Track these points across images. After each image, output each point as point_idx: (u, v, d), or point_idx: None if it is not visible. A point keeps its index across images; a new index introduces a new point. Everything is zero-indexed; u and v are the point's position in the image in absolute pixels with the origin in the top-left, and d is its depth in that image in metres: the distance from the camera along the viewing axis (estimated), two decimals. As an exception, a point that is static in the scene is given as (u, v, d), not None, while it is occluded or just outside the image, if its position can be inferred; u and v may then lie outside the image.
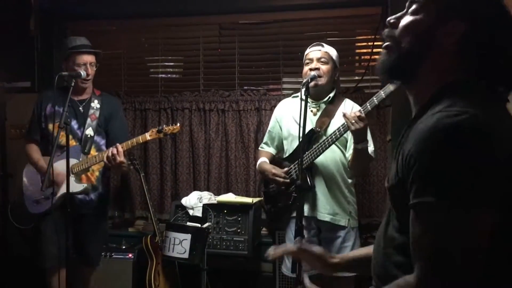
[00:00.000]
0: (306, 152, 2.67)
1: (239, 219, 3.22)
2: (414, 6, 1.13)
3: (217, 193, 3.66)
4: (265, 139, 3.09)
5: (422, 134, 0.97)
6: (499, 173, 0.93)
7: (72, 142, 3.00)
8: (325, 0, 3.65)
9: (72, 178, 2.92)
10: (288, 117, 2.91)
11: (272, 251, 1.57)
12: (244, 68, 3.95)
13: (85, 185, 3.00)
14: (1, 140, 4.01)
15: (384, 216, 1.23)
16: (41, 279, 3.13)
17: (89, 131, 3.06)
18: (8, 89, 3.99)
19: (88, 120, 3.07)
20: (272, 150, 3.04)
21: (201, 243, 2.83)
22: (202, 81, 3.99)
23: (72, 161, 2.95)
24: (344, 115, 2.52)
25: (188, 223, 3.08)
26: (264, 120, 3.72)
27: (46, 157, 2.93)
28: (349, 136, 2.70)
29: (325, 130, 2.75)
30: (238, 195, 3.58)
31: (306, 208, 2.72)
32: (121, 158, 2.88)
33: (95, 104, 3.11)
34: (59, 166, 2.83)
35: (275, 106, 3.64)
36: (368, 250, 1.41)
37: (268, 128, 3.09)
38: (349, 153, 2.74)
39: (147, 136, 2.98)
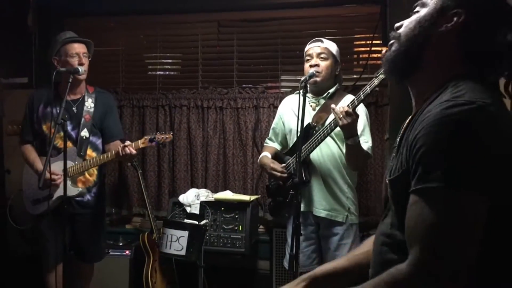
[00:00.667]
0: (302, 147, 2.67)
1: (237, 216, 3.22)
2: (417, 8, 1.16)
3: (215, 190, 3.67)
4: (270, 134, 3.10)
5: (430, 121, 0.98)
6: (504, 163, 0.95)
7: (68, 144, 2.98)
8: (324, -2, 3.66)
9: (67, 182, 2.89)
10: (290, 113, 2.92)
11: None
12: (243, 65, 3.95)
13: (80, 189, 2.98)
14: (-2, 136, 4.00)
15: (382, 215, 1.23)
16: (38, 277, 3.13)
17: (84, 133, 3.01)
18: (6, 85, 3.99)
19: (83, 121, 3.01)
20: (276, 146, 3.05)
21: (198, 240, 2.82)
22: (200, 78, 3.99)
23: (68, 164, 2.92)
24: (333, 110, 2.52)
25: (186, 220, 3.08)
26: (262, 118, 3.72)
27: (43, 157, 2.92)
28: None
29: (322, 125, 2.75)
30: (236, 192, 3.58)
31: (302, 203, 2.72)
32: (133, 151, 2.90)
33: (89, 103, 3.06)
34: (56, 168, 2.82)
35: (273, 104, 3.67)
36: (337, 263, 1.40)
37: (273, 124, 3.10)
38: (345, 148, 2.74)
39: (139, 144, 2.95)
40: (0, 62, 3.76)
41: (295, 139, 2.84)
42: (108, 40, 4.06)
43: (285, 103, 3.04)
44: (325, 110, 2.79)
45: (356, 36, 3.83)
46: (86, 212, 3.06)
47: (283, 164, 2.84)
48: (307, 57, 2.82)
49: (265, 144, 3.15)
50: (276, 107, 3.18)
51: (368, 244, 1.39)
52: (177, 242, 2.79)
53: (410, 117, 1.18)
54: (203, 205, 3.26)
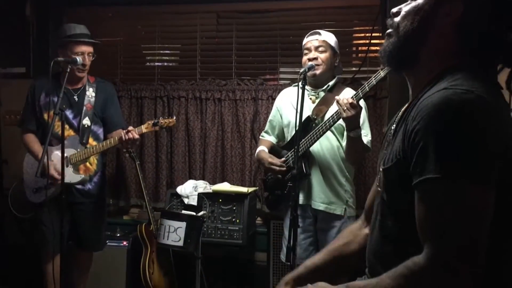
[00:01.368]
0: (302, 140, 2.66)
1: (234, 208, 3.22)
2: None
3: (213, 182, 3.67)
4: (266, 127, 3.09)
5: (428, 110, 0.97)
6: (503, 153, 0.95)
7: (70, 132, 3.01)
8: (323, -10, 3.65)
9: (70, 169, 2.94)
10: (288, 106, 2.91)
11: None
12: (241, 57, 3.93)
13: (83, 176, 3.02)
14: (-5, 127, 3.99)
15: (374, 207, 1.23)
16: (36, 267, 3.14)
17: (86, 121, 3.05)
18: (3, 75, 3.97)
19: (84, 110, 3.05)
20: (272, 139, 3.04)
21: (196, 231, 2.83)
22: (199, 69, 3.98)
23: (70, 151, 2.96)
24: (337, 101, 2.51)
25: (183, 212, 3.08)
26: (260, 110, 3.71)
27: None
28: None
29: (322, 118, 2.75)
30: (234, 184, 3.59)
31: (301, 196, 2.73)
32: (136, 136, 2.92)
33: (90, 92, 3.10)
34: (58, 156, 2.83)
35: (271, 96, 3.66)
36: (317, 258, 1.42)
37: (269, 117, 3.09)
38: (345, 141, 2.74)
39: (143, 128, 2.98)
40: (-2, 52, 3.75)
41: (293, 131, 2.83)
42: (106, 31, 4.04)
43: (283, 95, 3.03)
44: (325, 103, 2.79)
45: (355, 28, 3.81)
46: (86, 201, 3.10)
47: (283, 159, 2.84)
48: (305, 51, 2.81)
49: (260, 137, 3.14)
50: (275, 99, 3.17)
51: (345, 236, 1.42)
52: (174, 233, 2.80)
53: (405, 105, 1.17)
54: (201, 196, 3.26)
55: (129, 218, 3.99)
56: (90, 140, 3.09)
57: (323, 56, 2.75)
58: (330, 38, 2.80)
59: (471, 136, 0.93)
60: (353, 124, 2.53)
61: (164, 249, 3.32)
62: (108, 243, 3.46)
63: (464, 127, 0.93)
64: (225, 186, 3.39)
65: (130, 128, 2.94)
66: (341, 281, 1.12)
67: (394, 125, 1.16)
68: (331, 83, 2.81)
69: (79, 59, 2.90)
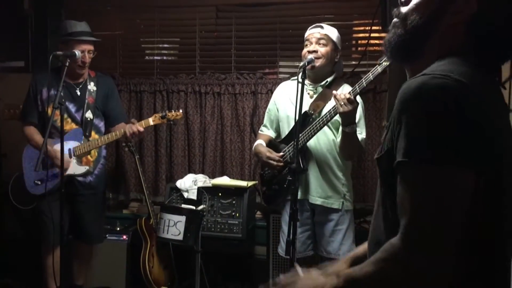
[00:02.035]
0: (299, 135, 2.66)
1: (234, 202, 3.23)
2: None
3: (212, 176, 3.67)
4: (264, 121, 3.08)
5: (405, 95, 0.98)
6: (479, 136, 0.94)
7: (72, 126, 3.04)
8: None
9: (74, 161, 2.99)
10: (285, 99, 2.90)
11: None
12: (241, 51, 3.92)
13: (87, 167, 3.07)
14: (-6, 120, 3.99)
15: (376, 197, 1.24)
16: (36, 259, 3.14)
17: (89, 114, 3.11)
18: (2, 68, 3.96)
19: (86, 103, 3.10)
20: (271, 133, 3.03)
21: (195, 225, 2.83)
22: (198, 63, 3.97)
23: (74, 144, 3.02)
24: (334, 96, 2.50)
25: (183, 205, 3.08)
26: (260, 104, 3.71)
27: (48, 139, 2.95)
28: None
29: (319, 113, 2.74)
30: (233, 178, 3.59)
31: (299, 191, 2.72)
32: (140, 129, 2.99)
33: (92, 86, 3.14)
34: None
35: (271, 90, 3.65)
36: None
37: (267, 110, 3.08)
38: (340, 136, 2.73)
39: (150, 121, 3.04)
40: (-4, 45, 3.74)
41: (290, 126, 2.84)
42: (105, 24, 4.02)
43: (281, 89, 3.01)
44: (322, 99, 2.78)
45: (355, 22, 3.80)
46: (87, 193, 3.14)
47: (281, 153, 2.84)
48: (306, 42, 2.80)
49: (259, 131, 3.13)
50: (274, 93, 3.16)
51: None
52: (174, 227, 2.80)
53: None
54: (201, 190, 3.26)
55: (129, 212, 3.99)
56: (92, 134, 3.14)
57: (323, 49, 2.74)
58: (332, 32, 2.79)
59: (441, 119, 0.92)
60: (349, 119, 2.53)
61: (164, 243, 3.33)
62: (108, 237, 3.47)
63: (435, 110, 0.93)
64: (224, 180, 3.39)
65: (133, 120, 2.97)
66: None
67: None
68: (329, 79, 2.80)
69: (78, 52, 2.90)
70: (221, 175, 3.68)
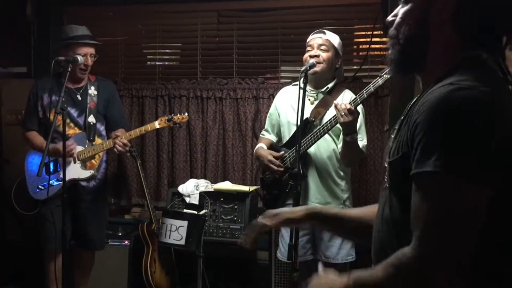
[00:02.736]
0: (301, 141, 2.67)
1: (236, 207, 3.22)
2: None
3: (214, 181, 3.66)
4: (266, 125, 3.09)
5: (431, 104, 0.97)
6: (503, 151, 0.93)
7: (75, 130, 3.06)
8: (324, -12, 3.64)
9: (78, 165, 3.01)
10: (287, 105, 2.90)
11: (245, 238, 1.53)
12: (242, 55, 3.93)
13: (92, 171, 3.08)
14: (-3, 126, 4.00)
15: (380, 199, 1.23)
16: (38, 265, 3.14)
17: (91, 119, 3.12)
18: (4, 74, 3.97)
19: (88, 108, 3.10)
20: (272, 137, 3.03)
21: (197, 230, 2.82)
22: (200, 68, 3.97)
23: (78, 148, 3.05)
24: (335, 106, 2.52)
25: (185, 210, 3.08)
26: (261, 109, 3.71)
27: (51, 144, 2.95)
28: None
29: (320, 120, 2.75)
30: (235, 183, 3.58)
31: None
32: (125, 142, 3.04)
33: (92, 91, 3.15)
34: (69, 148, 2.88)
35: (273, 95, 3.65)
36: (358, 211, 1.44)
37: (268, 115, 3.09)
38: (341, 143, 2.74)
39: (156, 124, 3.07)
40: (-1, 51, 3.75)
41: (291, 131, 2.85)
42: (107, 30, 4.04)
43: (282, 94, 3.02)
44: (323, 105, 2.79)
45: (356, 26, 3.81)
46: (90, 198, 3.14)
47: (282, 152, 2.84)
48: (308, 48, 2.81)
49: (261, 135, 3.14)
50: (276, 98, 3.16)
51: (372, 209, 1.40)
52: (176, 232, 2.80)
53: (413, 100, 1.17)
54: (203, 195, 3.25)
55: (131, 218, 3.98)
56: (95, 138, 3.15)
57: (324, 54, 2.75)
58: (334, 38, 2.80)
59: (470, 133, 0.92)
60: (350, 129, 2.54)
61: (166, 248, 3.32)
62: (109, 243, 3.46)
63: (463, 123, 0.92)
64: (226, 185, 3.39)
65: (118, 133, 3.01)
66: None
67: (401, 118, 1.16)
68: (330, 85, 2.81)
69: (80, 58, 2.92)
70: (223, 180, 3.68)
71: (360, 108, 2.74)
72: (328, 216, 1.45)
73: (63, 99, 2.66)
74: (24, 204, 3.39)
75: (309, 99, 2.80)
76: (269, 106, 3.64)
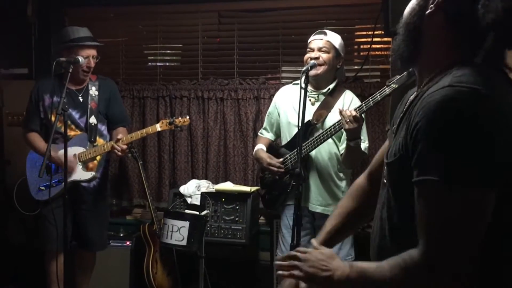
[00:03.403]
0: (302, 144, 2.66)
1: (237, 207, 3.22)
2: None
3: (215, 181, 3.66)
4: (265, 124, 3.09)
5: (431, 109, 0.96)
6: (505, 154, 0.93)
7: (76, 132, 3.07)
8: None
9: (80, 166, 3.01)
10: (287, 105, 2.90)
11: None
12: (243, 56, 3.93)
13: (93, 173, 3.07)
14: (-2, 127, 4.00)
15: (379, 199, 1.23)
16: (40, 266, 3.14)
17: (93, 120, 3.11)
18: (5, 75, 3.97)
19: (90, 108, 3.10)
20: (270, 136, 3.04)
21: (199, 230, 2.83)
22: (201, 69, 3.97)
23: (80, 149, 3.04)
24: (340, 113, 2.52)
25: (186, 211, 3.08)
26: (263, 109, 3.71)
27: (53, 145, 2.95)
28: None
29: (322, 122, 2.76)
30: (236, 183, 3.58)
31: None
32: (123, 147, 3.01)
33: (93, 91, 3.14)
34: (68, 153, 2.85)
35: (274, 95, 3.64)
36: (334, 220, 1.48)
37: (267, 113, 3.09)
38: (343, 146, 2.74)
39: (158, 127, 3.06)
40: (0, 52, 3.75)
41: (292, 132, 2.85)
42: (108, 31, 4.04)
43: (282, 94, 3.01)
44: (325, 107, 2.79)
45: (357, 26, 3.80)
46: (91, 198, 3.14)
47: (281, 159, 2.84)
48: (309, 49, 2.81)
49: (259, 134, 3.14)
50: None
51: (357, 198, 1.47)
52: (178, 232, 2.80)
53: (412, 95, 1.17)
54: (204, 196, 3.26)
55: (132, 218, 3.99)
56: (97, 138, 3.14)
57: (325, 56, 2.74)
58: (335, 39, 2.79)
59: (471, 138, 0.92)
60: (354, 135, 2.56)
61: (167, 249, 3.32)
62: (111, 243, 3.46)
63: (465, 129, 0.92)
64: (228, 186, 3.39)
65: (119, 137, 3.00)
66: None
67: (401, 115, 1.16)
68: (331, 86, 2.81)
69: (81, 58, 2.91)
70: (224, 180, 3.68)
71: None
72: (331, 237, 1.47)
73: (65, 100, 2.66)
74: (25, 205, 3.40)
75: (310, 100, 2.80)
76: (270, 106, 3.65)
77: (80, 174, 3.03)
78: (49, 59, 3.68)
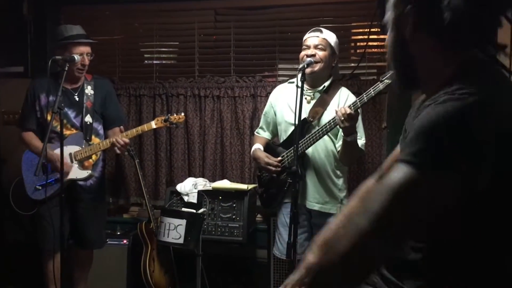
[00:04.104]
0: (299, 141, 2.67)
1: (234, 205, 3.22)
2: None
3: (212, 179, 3.66)
4: (261, 123, 3.09)
5: (427, 114, 0.98)
6: (487, 147, 0.94)
7: (72, 131, 3.06)
8: (321, -14, 3.63)
9: (75, 165, 3.02)
10: (283, 103, 2.90)
11: None
12: (240, 54, 3.92)
13: (90, 171, 3.07)
14: (-7, 126, 3.99)
15: None
16: (37, 265, 3.14)
17: (88, 118, 3.11)
18: (1, 74, 3.96)
19: (85, 107, 3.09)
20: (267, 135, 3.05)
21: (196, 228, 2.83)
22: (197, 67, 3.97)
23: (75, 148, 3.04)
24: (336, 112, 2.53)
25: (183, 209, 3.08)
26: (259, 107, 3.70)
27: (48, 144, 2.94)
28: None
29: (318, 120, 2.76)
30: (233, 181, 3.58)
31: None
32: (127, 141, 3.00)
33: (89, 90, 3.13)
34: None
35: (270, 93, 3.64)
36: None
37: (263, 112, 3.09)
38: (339, 143, 2.74)
39: (153, 124, 3.05)
40: (-5, 51, 3.74)
41: (288, 130, 2.85)
42: (104, 29, 4.03)
43: (278, 92, 3.01)
44: (320, 105, 2.79)
45: (353, 24, 3.81)
46: (88, 197, 3.13)
47: (279, 158, 2.84)
48: (304, 47, 2.80)
49: (256, 133, 3.14)
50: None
51: (359, 196, 1.42)
52: (175, 230, 2.80)
53: (421, 99, 1.18)
54: (201, 194, 3.26)
55: (129, 217, 3.99)
56: (93, 137, 3.14)
57: (321, 53, 2.74)
58: (330, 37, 2.80)
59: (450, 130, 0.93)
60: (350, 131, 2.56)
61: (165, 247, 3.32)
62: (108, 242, 3.46)
63: (448, 125, 0.93)
64: (225, 184, 3.39)
65: (115, 135, 3.00)
66: None
67: (404, 129, 1.18)
68: (326, 83, 2.81)
69: (77, 57, 2.91)
70: (221, 178, 3.68)
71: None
72: None
73: (61, 99, 2.65)
74: (22, 204, 3.38)
75: (306, 98, 2.80)
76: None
77: (76, 173, 3.02)
78: (45, 58, 3.66)
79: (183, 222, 2.80)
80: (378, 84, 2.45)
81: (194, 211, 2.96)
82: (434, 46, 1.07)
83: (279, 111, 2.93)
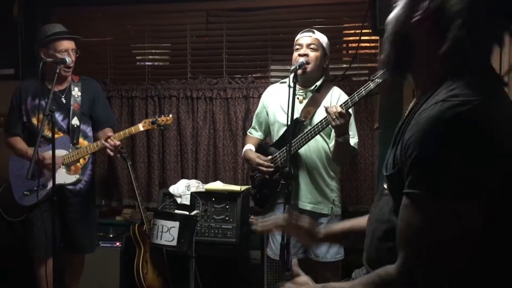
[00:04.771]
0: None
1: (227, 207, 3.22)
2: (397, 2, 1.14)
3: (205, 181, 3.66)
4: (253, 123, 3.09)
5: (423, 124, 0.95)
6: (496, 168, 0.92)
7: (59, 134, 3.00)
8: (313, -13, 3.64)
9: (63, 170, 2.94)
10: (275, 104, 2.91)
11: (260, 224, 1.56)
12: (232, 55, 3.92)
13: (78, 176, 3.02)
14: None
15: (376, 202, 1.23)
16: (29, 269, 3.11)
17: (75, 121, 3.05)
18: (-9, 76, 3.93)
19: (72, 110, 3.04)
20: (259, 135, 3.05)
21: (189, 230, 2.82)
22: (190, 68, 3.96)
23: (62, 152, 2.96)
24: (326, 110, 2.53)
25: (176, 211, 3.07)
26: (252, 108, 3.70)
27: (32, 148, 2.91)
28: None
29: (310, 119, 2.76)
30: (226, 183, 3.58)
31: None
32: (117, 143, 2.95)
33: (76, 92, 3.08)
34: (50, 155, 2.81)
35: (262, 94, 3.65)
36: (355, 222, 1.46)
37: (256, 113, 3.09)
38: (332, 143, 2.75)
39: (140, 127, 3.01)
40: (-14, 53, 3.71)
41: (280, 131, 2.85)
42: (95, 31, 4.01)
43: (270, 92, 3.02)
44: (312, 104, 2.80)
45: (345, 25, 3.82)
46: (77, 201, 3.09)
47: (269, 157, 2.84)
48: (297, 46, 2.81)
49: (248, 134, 3.14)
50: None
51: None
52: (168, 232, 2.79)
53: (411, 104, 1.16)
54: (194, 195, 3.25)
55: (122, 219, 3.97)
56: (81, 140, 3.08)
57: (313, 54, 2.75)
58: (322, 38, 2.81)
59: (459, 155, 0.91)
60: (342, 131, 2.56)
61: (158, 249, 3.31)
62: (101, 244, 3.45)
63: (453, 144, 0.91)
64: (217, 185, 3.39)
65: (110, 133, 2.95)
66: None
67: (397, 130, 1.15)
68: (318, 83, 2.82)
69: (68, 59, 2.88)
70: (214, 180, 3.67)
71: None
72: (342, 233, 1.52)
73: (50, 101, 2.62)
74: (10, 210, 3.34)
75: (298, 98, 2.81)
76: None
77: (63, 177, 2.96)
78: (36, 60, 3.63)
79: (176, 224, 2.79)
80: (369, 83, 2.46)
81: (187, 213, 2.96)
82: (435, 41, 1.05)
83: (271, 111, 2.94)
